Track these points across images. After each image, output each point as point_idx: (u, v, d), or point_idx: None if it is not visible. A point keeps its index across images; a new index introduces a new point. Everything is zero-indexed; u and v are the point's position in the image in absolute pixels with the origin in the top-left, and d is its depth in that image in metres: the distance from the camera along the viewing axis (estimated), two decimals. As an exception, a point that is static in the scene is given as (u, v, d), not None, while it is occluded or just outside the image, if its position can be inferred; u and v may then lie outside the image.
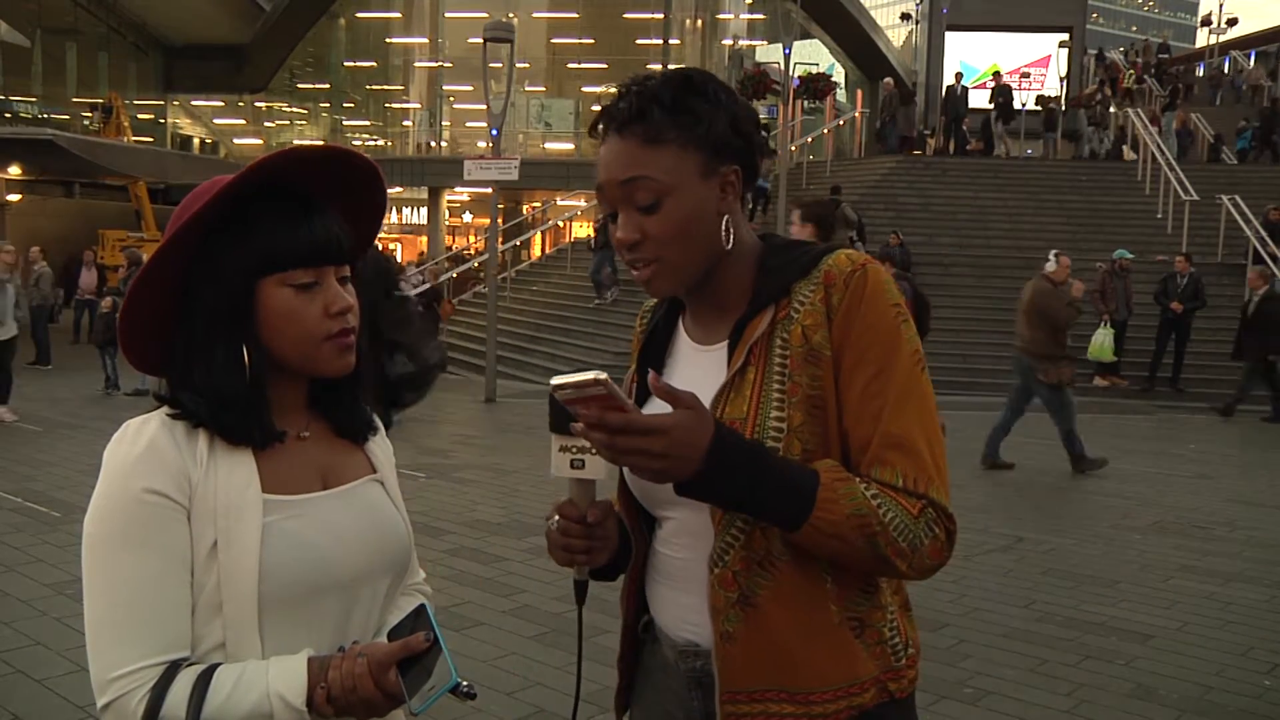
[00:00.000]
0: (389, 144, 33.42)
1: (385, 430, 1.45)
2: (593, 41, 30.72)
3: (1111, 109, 22.79)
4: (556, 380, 1.12)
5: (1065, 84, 27.22)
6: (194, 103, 35.68)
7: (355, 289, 1.29)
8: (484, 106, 12.40)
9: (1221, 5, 34.86)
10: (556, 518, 1.28)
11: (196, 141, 35.47)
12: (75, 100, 30.60)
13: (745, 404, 1.27)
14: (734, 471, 1.17)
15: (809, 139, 22.12)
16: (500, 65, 12.70)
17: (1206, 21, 36.59)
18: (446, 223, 30.92)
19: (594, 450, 1.17)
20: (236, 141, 35.65)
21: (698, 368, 1.37)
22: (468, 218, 33.68)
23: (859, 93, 26.83)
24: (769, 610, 1.27)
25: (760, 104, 20.05)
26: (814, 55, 29.04)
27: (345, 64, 34.18)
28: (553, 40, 31.41)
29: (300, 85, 35.21)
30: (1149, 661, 4.28)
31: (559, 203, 26.15)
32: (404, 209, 33.07)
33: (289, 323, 1.23)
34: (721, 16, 32.11)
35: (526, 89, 29.93)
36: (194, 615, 1.19)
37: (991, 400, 10.56)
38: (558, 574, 4.88)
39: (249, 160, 1.29)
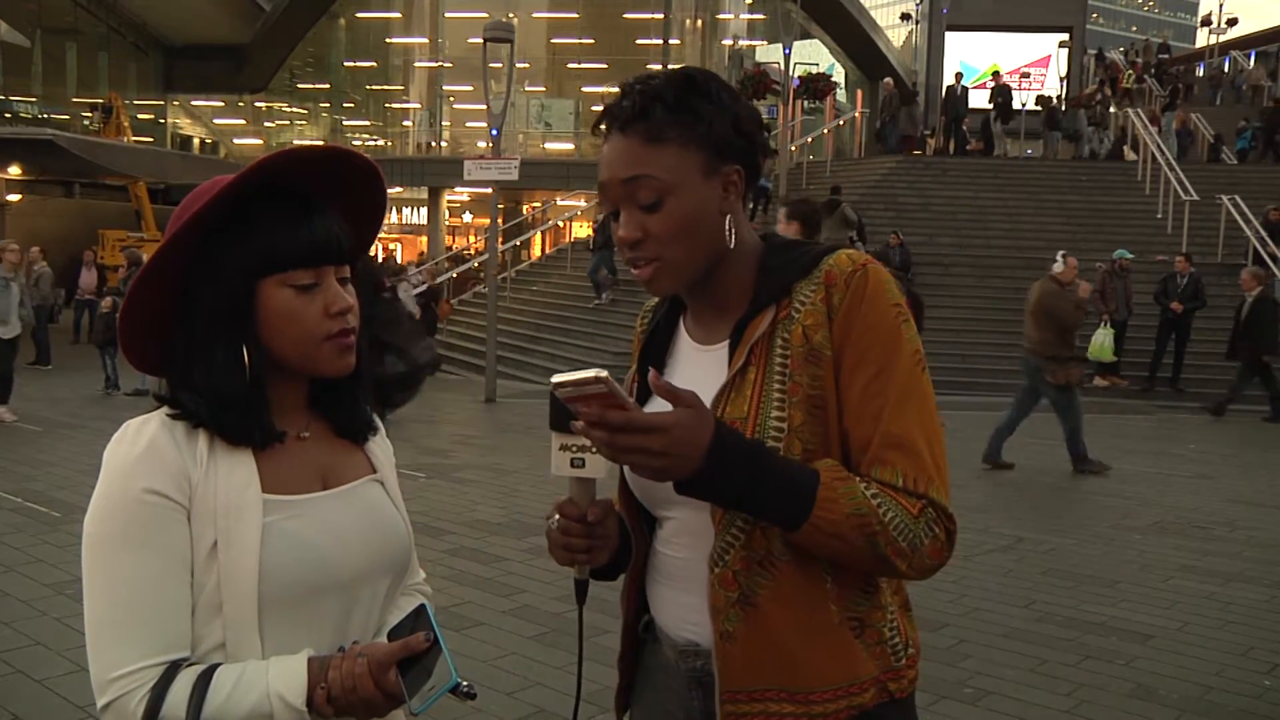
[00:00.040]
0: (389, 144, 33.42)
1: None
2: (593, 41, 30.72)
3: (1111, 109, 22.79)
4: (557, 378, 1.12)
5: (1065, 84, 27.24)
6: (194, 103, 35.69)
7: (355, 289, 1.29)
8: (484, 106, 12.40)
9: (1221, 5, 34.87)
10: (557, 517, 1.28)
11: (196, 141, 35.48)
12: (75, 100, 30.61)
13: (746, 404, 1.27)
14: (734, 470, 1.18)
15: (809, 139, 22.12)
16: (500, 65, 12.70)
17: (1206, 21, 36.59)
18: (446, 223, 30.92)
19: (594, 449, 1.18)
20: (236, 141, 35.66)
21: (698, 367, 1.37)
22: (468, 218, 33.68)
23: (859, 93, 26.81)
24: (769, 610, 1.27)
25: (760, 104, 20.05)
26: (814, 55, 29.05)
27: (345, 64, 34.19)
28: (553, 40, 31.41)
29: (300, 85, 35.22)
30: (1149, 661, 4.28)
31: (559, 203, 26.16)
32: (404, 209, 33.08)
33: (289, 323, 1.23)
34: (721, 16, 32.12)
35: (526, 89, 29.93)
36: (194, 615, 1.19)
37: (991, 400, 10.57)
38: (558, 574, 4.89)
39: (249, 160, 1.29)
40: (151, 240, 20.65)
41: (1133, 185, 17.79)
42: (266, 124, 35.78)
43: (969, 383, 11.95)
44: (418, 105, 33.38)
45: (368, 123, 35.54)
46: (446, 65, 31.03)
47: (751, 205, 1.66)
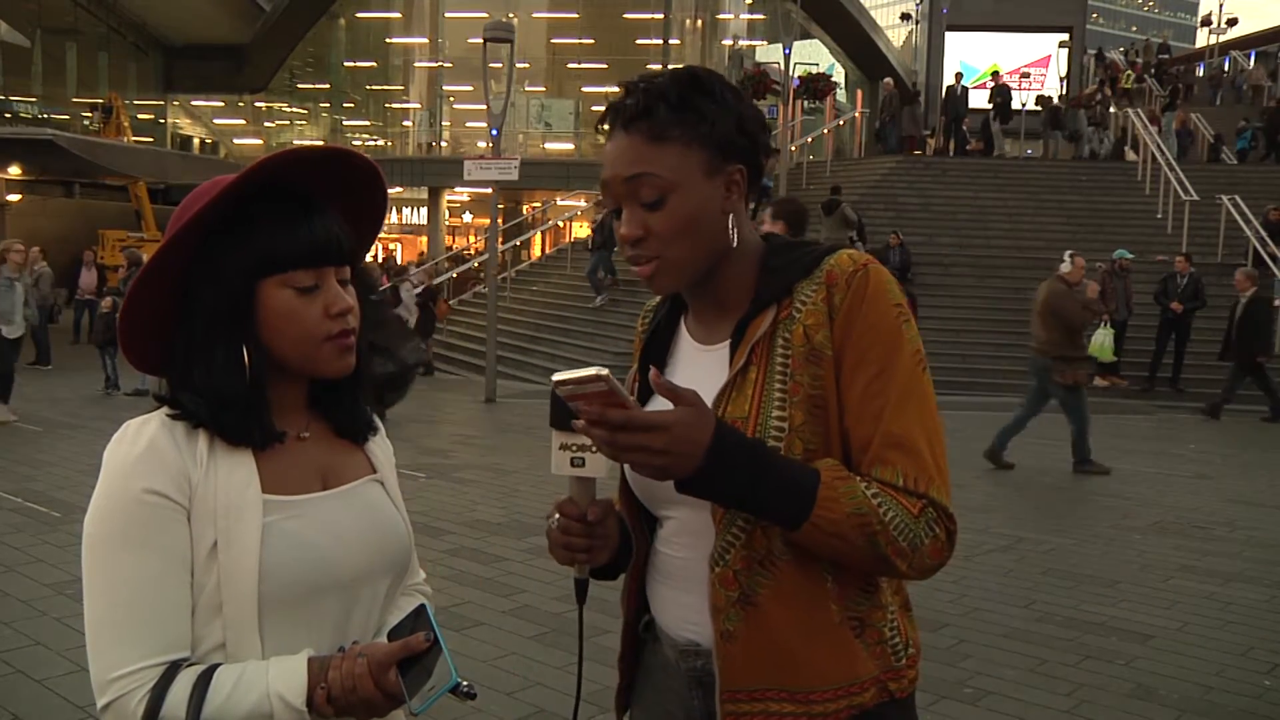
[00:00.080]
0: (389, 144, 33.42)
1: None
2: (593, 41, 30.72)
3: (1111, 109, 22.79)
4: (558, 375, 1.12)
5: (1065, 84, 27.23)
6: (194, 103, 35.69)
7: (355, 290, 1.29)
8: (484, 106, 12.40)
9: (1221, 5, 34.87)
10: (557, 516, 1.28)
11: (196, 142, 35.49)
12: (75, 100, 30.62)
13: (747, 403, 1.27)
14: (735, 469, 1.17)
15: (809, 139, 22.13)
16: (500, 65, 12.70)
17: (1206, 21, 36.60)
18: (446, 223, 30.93)
19: (595, 448, 1.17)
20: (236, 141, 35.66)
21: (700, 367, 1.37)
22: (468, 218, 33.69)
23: (859, 93, 26.81)
24: (770, 609, 1.27)
25: (760, 104, 20.05)
26: (814, 55, 29.07)
27: (345, 64, 34.19)
28: (553, 40, 31.42)
29: (300, 85, 35.22)
30: (1149, 661, 4.28)
31: (559, 203, 26.16)
32: (404, 209, 33.08)
33: (289, 323, 1.23)
34: (721, 16, 32.13)
35: (526, 89, 29.93)
36: (194, 616, 1.19)
37: (991, 400, 10.58)
38: (558, 574, 4.89)
39: (249, 160, 1.29)
40: (151, 240, 20.66)
41: (1133, 185, 17.79)
42: (266, 124, 35.77)
43: (969, 383, 11.95)
44: (418, 105, 33.38)
45: (368, 123, 35.54)
46: (446, 65, 31.04)
47: (753, 205, 1.66)
